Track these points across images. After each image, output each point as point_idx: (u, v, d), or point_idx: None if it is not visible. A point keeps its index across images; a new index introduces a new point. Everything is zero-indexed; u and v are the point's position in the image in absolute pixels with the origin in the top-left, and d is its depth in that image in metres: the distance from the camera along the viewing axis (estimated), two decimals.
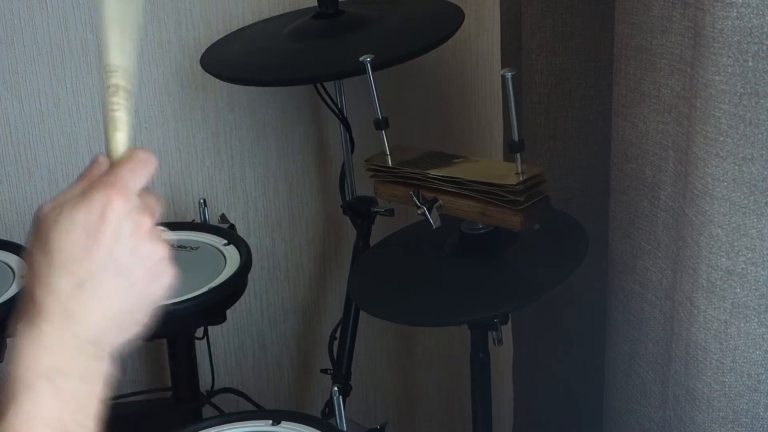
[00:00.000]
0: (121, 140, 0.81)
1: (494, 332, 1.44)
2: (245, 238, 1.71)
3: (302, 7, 1.86)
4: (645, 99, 1.37)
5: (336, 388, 1.47)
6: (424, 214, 1.40)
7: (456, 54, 2.07)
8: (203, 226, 1.77)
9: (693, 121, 1.20)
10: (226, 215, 1.86)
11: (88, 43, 1.85)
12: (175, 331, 1.67)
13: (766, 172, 1.12)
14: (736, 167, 1.14)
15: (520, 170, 1.35)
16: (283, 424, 1.41)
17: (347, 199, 1.83)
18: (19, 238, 1.88)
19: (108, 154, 0.81)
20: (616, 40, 1.43)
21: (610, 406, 1.60)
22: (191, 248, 1.70)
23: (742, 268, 1.17)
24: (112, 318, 0.77)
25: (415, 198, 1.41)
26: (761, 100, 1.10)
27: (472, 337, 1.47)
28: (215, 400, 1.85)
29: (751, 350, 1.19)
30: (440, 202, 1.40)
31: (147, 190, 0.79)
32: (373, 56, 1.47)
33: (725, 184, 1.15)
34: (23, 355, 0.74)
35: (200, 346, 1.81)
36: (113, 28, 0.81)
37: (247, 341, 2.13)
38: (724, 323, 1.20)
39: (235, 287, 1.60)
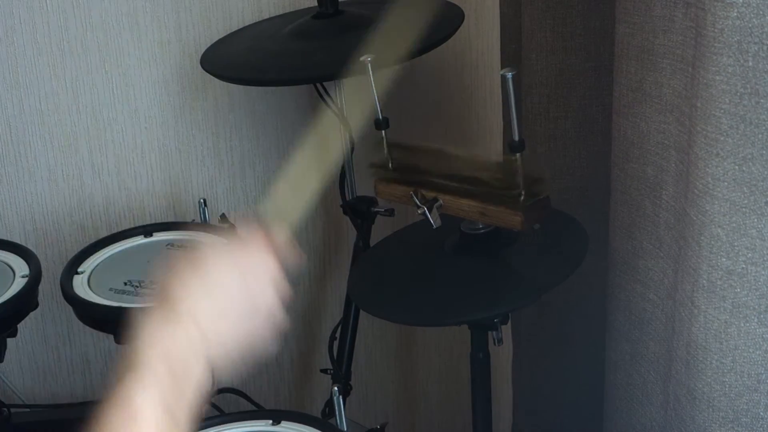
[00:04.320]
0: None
1: (494, 332, 1.43)
2: None
3: (302, 7, 1.86)
4: (646, 99, 1.37)
5: (336, 388, 1.47)
6: (424, 214, 1.39)
7: (456, 54, 2.07)
8: (203, 226, 1.76)
9: (694, 120, 1.20)
10: (226, 215, 1.86)
11: (88, 43, 1.85)
12: None
13: (766, 172, 1.12)
14: (737, 167, 1.14)
15: (520, 170, 1.35)
16: (283, 424, 1.41)
17: (347, 199, 1.83)
18: (19, 238, 1.88)
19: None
20: (617, 40, 1.43)
21: (610, 406, 1.60)
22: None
23: (743, 268, 1.17)
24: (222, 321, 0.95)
25: (415, 198, 1.41)
26: (761, 100, 1.10)
27: (472, 337, 1.47)
28: (215, 400, 1.85)
29: (751, 350, 1.19)
30: (440, 202, 1.40)
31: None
32: (373, 56, 1.47)
33: (726, 184, 1.15)
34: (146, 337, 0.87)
35: None
36: None
37: None
38: (724, 323, 1.20)
39: None
